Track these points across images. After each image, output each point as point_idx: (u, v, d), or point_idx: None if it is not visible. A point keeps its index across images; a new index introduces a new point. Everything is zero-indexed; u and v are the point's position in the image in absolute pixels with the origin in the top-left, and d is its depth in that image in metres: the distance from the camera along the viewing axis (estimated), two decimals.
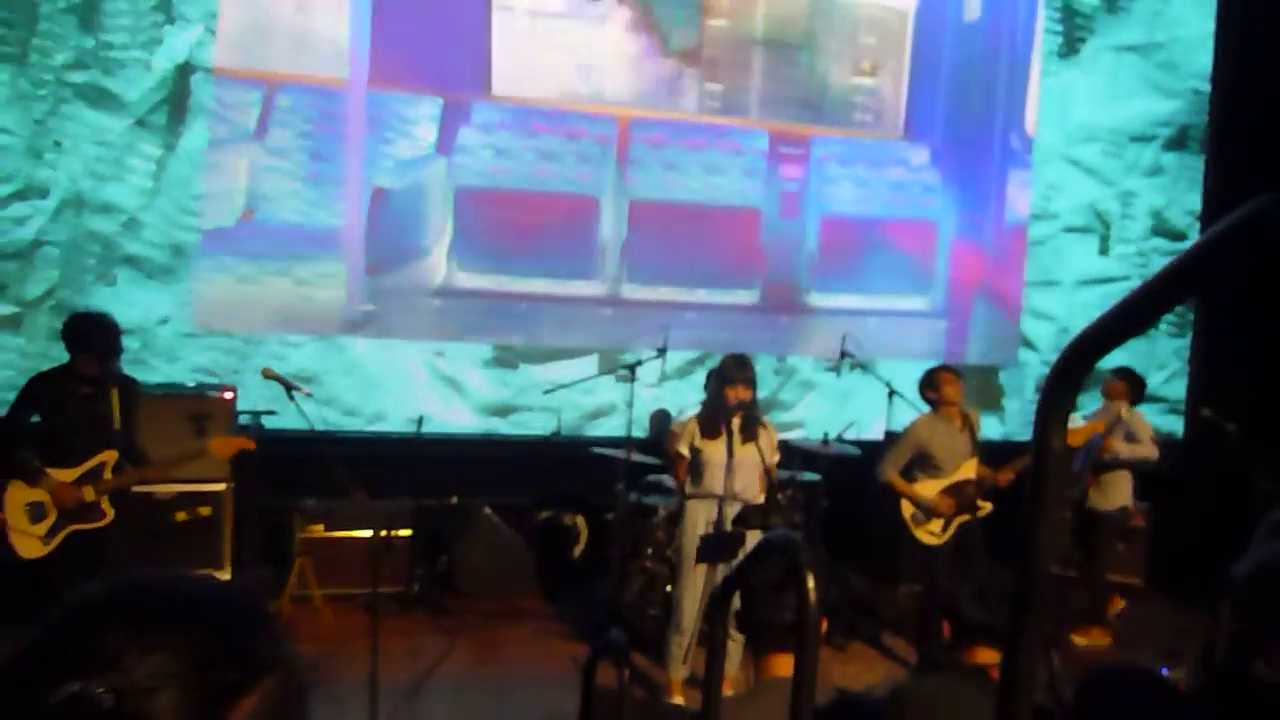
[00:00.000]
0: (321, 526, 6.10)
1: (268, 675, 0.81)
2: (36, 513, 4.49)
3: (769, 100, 7.31)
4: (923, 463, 5.61)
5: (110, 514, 4.56)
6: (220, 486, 5.81)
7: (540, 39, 6.85)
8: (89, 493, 4.49)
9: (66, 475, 4.50)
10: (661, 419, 6.93)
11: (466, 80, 6.73)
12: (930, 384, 5.67)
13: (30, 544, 4.48)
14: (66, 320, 4.61)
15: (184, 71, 6.33)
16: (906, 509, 5.62)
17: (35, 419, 4.54)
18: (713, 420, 4.93)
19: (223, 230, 6.38)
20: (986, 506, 5.67)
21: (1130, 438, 6.16)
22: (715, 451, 4.89)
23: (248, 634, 0.82)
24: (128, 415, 4.64)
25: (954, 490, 5.59)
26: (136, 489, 4.95)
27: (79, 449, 4.53)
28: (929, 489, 5.60)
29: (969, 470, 5.63)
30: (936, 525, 5.59)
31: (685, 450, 4.99)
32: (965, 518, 5.62)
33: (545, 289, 6.92)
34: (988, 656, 2.47)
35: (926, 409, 5.72)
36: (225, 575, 5.76)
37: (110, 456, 4.56)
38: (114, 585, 0.82)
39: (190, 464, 4.87)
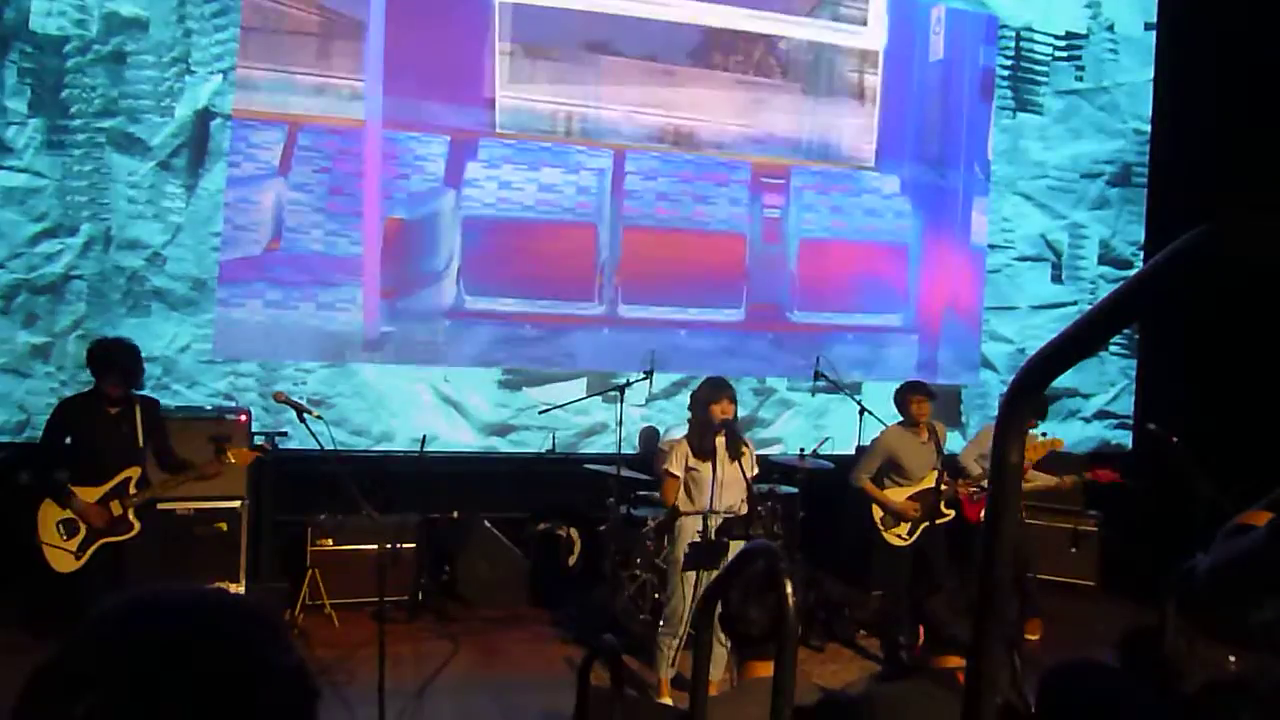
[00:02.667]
0: (331, 540, 6.06)
1: (278, 684, 0.79)
2: (69, 529, 4.47)
3: (751, 135, 7.36)
4: (891, 470, 5.65)
5: (137, 526, 4.55)
6: (236, 503, 5.77)
7: (540, 80, 6.90)
8: (115, 507, 4.49)
9: (94, 493, 4.49)
10: (650, 436, 6.92)
11: (472, 119, 6.77)
12: (902, 398, 5.69)
13: (64, 559, 4.47)
14: (91, 346, 4.63)
15: (203, 117, 6.34)
16: (877, 513, 5.65)
17: (68, 440, 4.54)
18: (702, 440, 4.92)
19: (251, 259, 6.39)
20: (949, 514, 5.71)
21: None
22: (706, 469, 4.89)
23: (260, 643, 0.81)
24: (151, 432, 4.65)
25: (919, 497, 5.63)
26: (159, 506, 4.92)
27: (107, 466, 4.54)
28: (897, 495, 5.63)
29: (933, 480, 5.65)
30: (904, 529, 5.62)
31: (678, 471, 4.96)
32: (929, 523, 5.63)
33: (547, 310, 6.94)
34: (957, 661, 2.41)
35: (895, 421, 5.74)
36: (241, 587, 5.72)
37: (135, 472, 4.56)
38: (132, 599, 0.81)
39: (214, 474, 4.84)
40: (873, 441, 5.78)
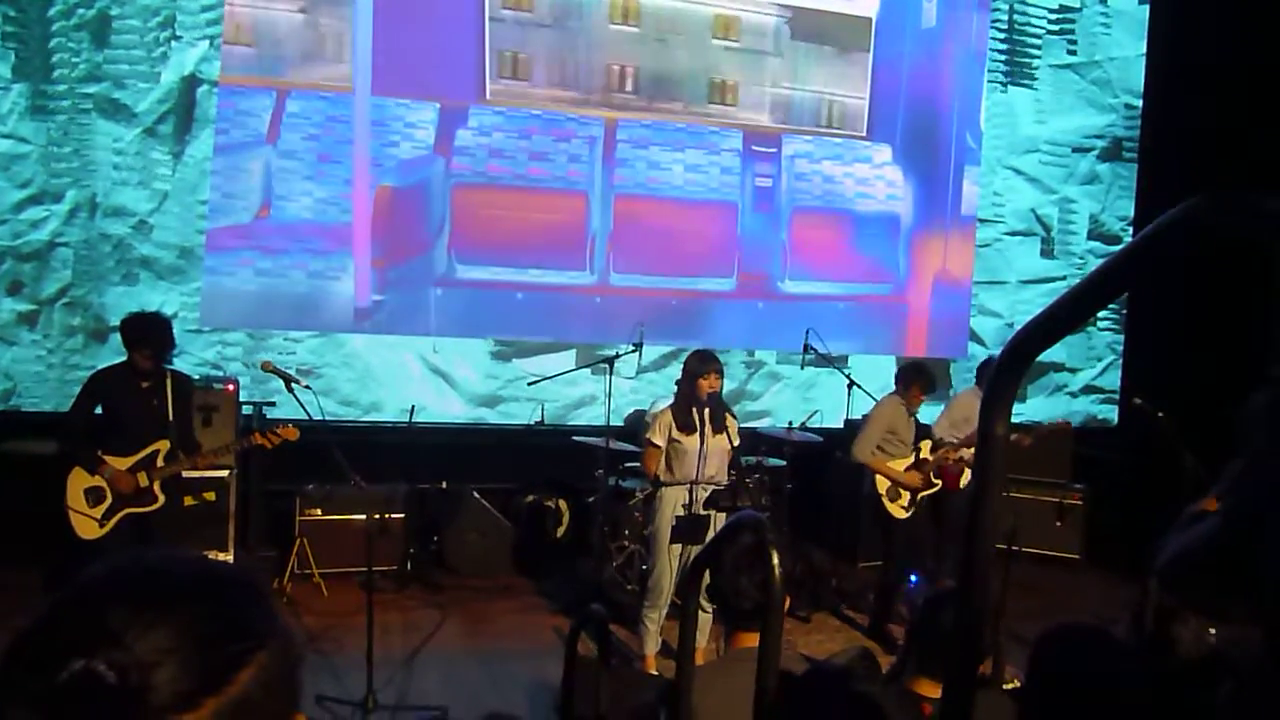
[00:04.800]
0: (320, 510, 6.07)
1: (263, 648, 0.80)
2: (95, 496, 4.52)
3: (742, 103, 7.33)
4: (889, 442, 5.64)
5: (161, 498, 4.60)
6: (225, 473, 5.76)
7: (531, 47, 6.85)
8: (143, 478, 4.54)
9: (123, 463, 4.54)
10: (637, 419, 6.93)
11: (462, 86, 6.72)
12: (908, 384, 5.65)
13: (88, 525, 4.52)
14: (124, 319, 4.66)
15: (190, 84, 6.27)
16: (881, 484, 5.63)
17: (98, 410, 4.59)
18: (687, 412, 4.93)
19: (241, 226, 6.36)
20: (937, 484, 5.73)
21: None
22: (690, 441, 4.90)
23: (243, 609, 0.81)
24: (180, 407, 4.68)
25: (916, 467, 5.67)
26: None
27: (136, 438, 4.57)
28: (898, 466, 5.64)
29: (925, 450, 5.72)
30: (905, 500, 5.64)
31: (661, 442, 4.96)
32: (928, 492, 5.69)
33: (538, 279, 6.92)
34: (931, 690, 2.24)
35: (889, 394, 5.77)
36: (229, 556, 5.73)
37: (163, 445, 4.60)
38: (114, 565, 0.81)
39: (229, 453, 4.92)
40: (870, 415, 5.77)
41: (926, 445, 5.73)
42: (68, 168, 6.11)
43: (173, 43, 6.23)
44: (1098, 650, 1.84)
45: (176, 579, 0.80)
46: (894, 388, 5.76)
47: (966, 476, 5.74)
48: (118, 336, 4.70)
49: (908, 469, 5.65)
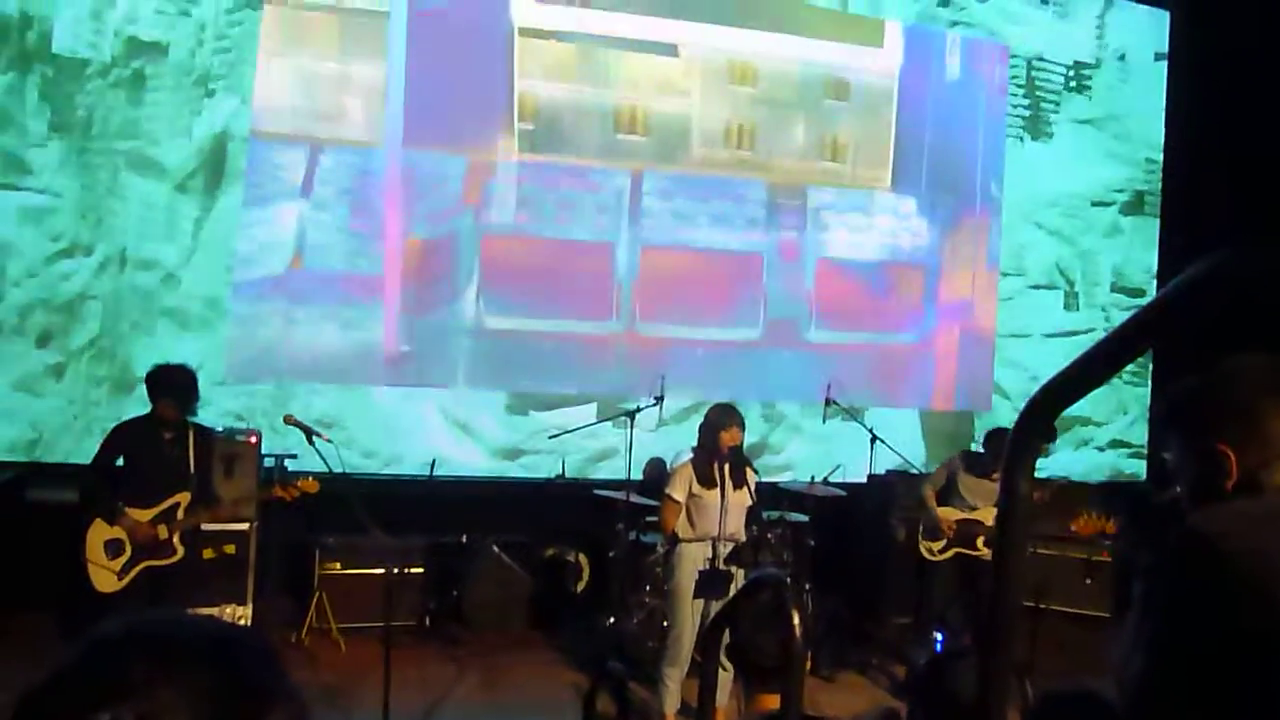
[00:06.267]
0: (339, 564, 6.04)
1: (276, 707, 0.80)
2: (115, 549, 4.52)
3: (769, 155, 7.39)
4: (951, 493, 5.93)
5: (181, 551, 4.59)
6: (245, 526, 5.76)
7: (559, 102, 6.96)
8: (163, 531, 4.53)
9: (144, 515, 4.55)
10: (655, 467, 6.89)
11: (491, 141, 6.82)
12: (991, 443, 5.98)
13: (106, 578, 4.52)
14: (150, 371, 4.70)
15: (221, 140, 6.39)
16: (906, 520, 6.05)
17: (120, 462, 4.61)
18: (708, 466, 4.89)
19: (274, 277, 6.43)
20: (985, 552, 5.76)
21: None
22: (711, 496, 4.86)
23: (257, 668, 0.81)
24: (202, 459, 4.69)
25: (963, 524, 5.86)
26: None
27: (157, 490, 4.59)
28: (946, 513, 5.89)
29: (986, 516, 5.79)
30: (937, 545, 5.87)
31: (681, 497, 4.92)
32: (965, 551, 5.85)
33: (565, 328, 6.95)
34: None
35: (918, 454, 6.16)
36: (248, 610, 5.70)
37: (184, 497, 4.61)
38: (132, 623, 0.82)
39: (250, 505, 4.91)
40: (945, 461, 6.21)
41: (989, 513, 5.77)
42: (99, 222, 6.22)
43: (205, 100, 6.37)
44: (1090, 716, 1.79)
45: (193, 638, 0.81)
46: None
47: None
48: (143, 387, 4.74)
49: (954, 521, 5.85)
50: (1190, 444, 1.54)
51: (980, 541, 5.80)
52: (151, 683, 0.75)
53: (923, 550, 5.89)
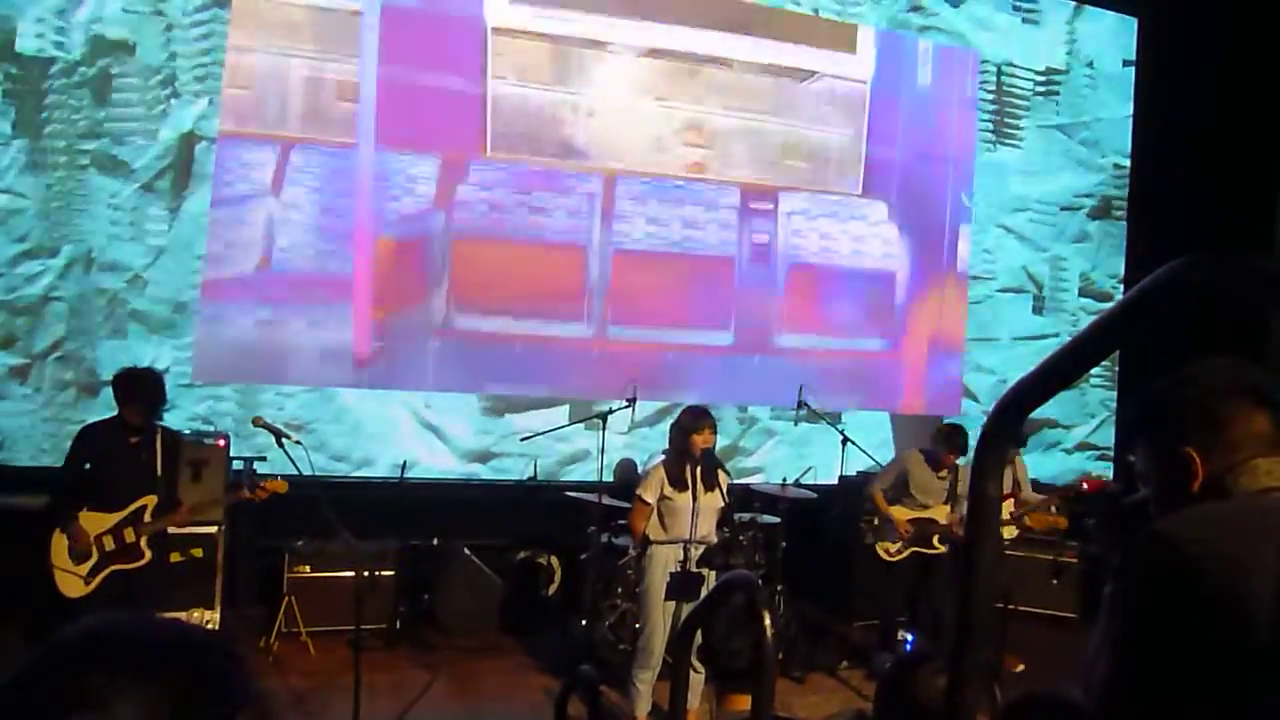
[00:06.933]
0: (309, 567, 5.99)
1: (241, 712, 0.79)
2: (80, 554, 4.47)
3: (740, 161, 7.41)
4: (903, 492, 5.95)
5: (149, 555, 4.56)
6: (213, 529, 5.70)
7: (532, 104, 6.94)
8: (129, 534, 4.50)
9: (110, 519, 4.49)
10: (627, 468, 6.89)
11: (463, 142, 6.79)
12: (943, 443, 5.93)
13: (73, 583, 4.47)
14: (116, 375, 4.66)
15: (188, 140, 6.33)
16: (872, 522, 6.00)
17: (87, 466, 4.58)
18: (680, 469, 4.90)
19: (243, 276, 6.36)
20: (941, 549, 5.91)
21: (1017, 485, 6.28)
22: (682, 499, 4.86)
23: (220, 672, 0.80)
24: (169, 463, 4.67)
25: (917, 523, 5.90)
26: None
27: (123, 493, 4.56)
28: (899, 513, 5.92)
29: (939, 514, 5.93)
30: (893, 546, 5.92)
31: (651, 499, 4.92)
32: (921, 550, 5.90)
33: (536, 331, 6.93)
34: None
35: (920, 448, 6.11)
36: (216, 614, 5.64)
37: (150, 501, 4.56)
38: (90, 628, 0.80)
39: (218, 507, 4.87)
40: (895, 458, 6.22)
41: (942, 510, 5.94)
42: (64, 223, 6.13)
43: (172, 100, 6.30)
44: (1059, 717, 1.81)
45: (155, 643, 0.79)
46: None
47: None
48: (109, 391, 4.69)
49: (908, 520, 5.88)
50: (1157, 448, 1.56)
51: (935, 539, 5.90)
52: (110, 690, 0.73)
53: (880, 552, 5.94)
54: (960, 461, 5.94)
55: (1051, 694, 1.93)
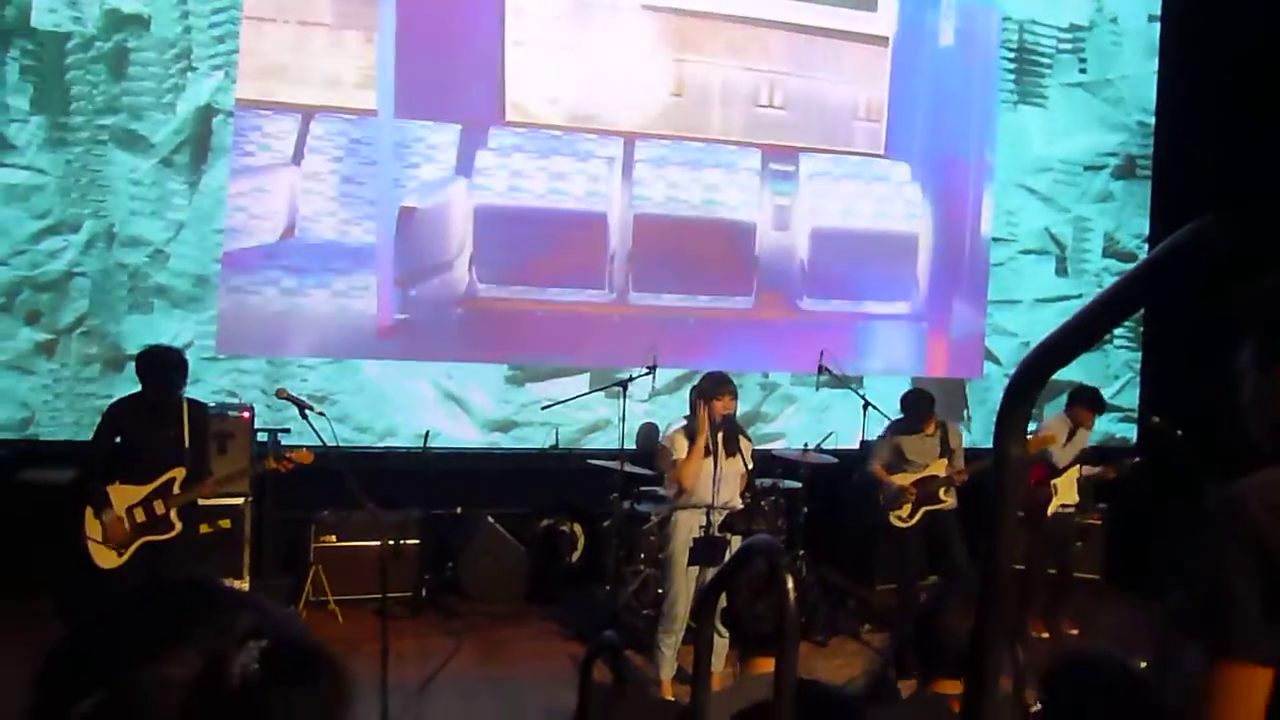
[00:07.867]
0: (334, 537, 6.07)
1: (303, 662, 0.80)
2: (111, 536, 4.56)
3: (761, 122, 7.34)
4: (900, 462, 6.06)
5: (178, 526, 4.63)
6: (239, 500, 5.77)
7: (550, 70, 6.91)
8: (159, 506, 4.57)
9: (140, 491, 4.57)
10: (648, 433, 6.91)
11: (483, 108, 6.77)
12: (907, 403, 6.20)
13: (107, 555, 4.55)
14: (139, 354, 4.76)
15: (206, 114, 6.33)
16: (881, 496, 6.07)
17: (117, 440, 4.65)
18: (700, 434, 4.91)
19: (266, 246, 6.39)
20: (949, 500, 6.02)
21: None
22: (704, 464, 4.88)
23: (276, 624, 0.82)
24: (197, 435, 4.73)
25: (920, 483, 5.99)
26: None
27: (152, 466, 4.62)
28: (902, 479, 6.01)
29: (938, 469, 6.04)
30: (905, 510, 5.99)
31: (681, 455, 4.94)
32: (931, 507, 6.00)
33: (557, 298, 6.94)
34: (953, 687, 2.21)
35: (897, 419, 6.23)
36: (244, 584, 5.73)
37: (179, 473, 4.64)
38: (141, 588, 0.83)
39: (244, 478, 5.03)
40: (879, 438, 6.27)
41: (940, 465, 6.05)
42: (85, 198, 6.17)
43: (189, 74, 6.30)
44: (1112, 678, 1.82)
45: (200, 600, 0.81)
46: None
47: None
48: (134, 365, 4.75)
49: (912, 482, 6.00)
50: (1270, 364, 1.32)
51: (942, 491, 6.00)
52: (148, 652, 0.75)
53: (893, 520, 6.00)
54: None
55: (1103, 655, 1.94)
